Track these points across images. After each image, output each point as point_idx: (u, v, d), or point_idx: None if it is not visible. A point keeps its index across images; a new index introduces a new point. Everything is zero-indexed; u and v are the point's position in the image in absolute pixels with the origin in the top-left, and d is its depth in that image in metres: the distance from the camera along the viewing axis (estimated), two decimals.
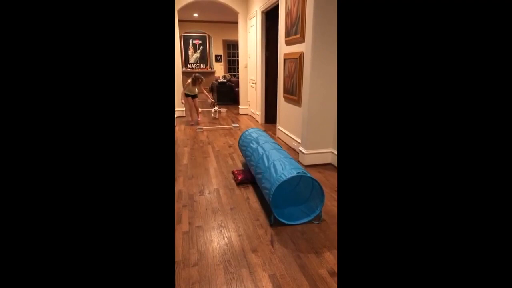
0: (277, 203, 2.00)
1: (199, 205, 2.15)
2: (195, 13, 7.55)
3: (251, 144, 2.50)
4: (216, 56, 9.46)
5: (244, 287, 1.36)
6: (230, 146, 3.69)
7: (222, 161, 3.14)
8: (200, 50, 9.26)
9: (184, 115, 5.61)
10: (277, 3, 3.81)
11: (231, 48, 9.56)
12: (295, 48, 3.25)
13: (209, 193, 2.36)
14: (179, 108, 5.49)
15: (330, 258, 1.56)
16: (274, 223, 1.88)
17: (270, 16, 4.42)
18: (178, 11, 5.05)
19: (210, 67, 9.47)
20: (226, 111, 5.95)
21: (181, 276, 1.43)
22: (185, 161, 3.12)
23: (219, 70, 9.56)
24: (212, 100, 5.67)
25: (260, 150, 2.28)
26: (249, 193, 2.35)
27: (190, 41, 9.11)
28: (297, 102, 3.28)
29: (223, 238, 1.75)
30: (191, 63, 9.26)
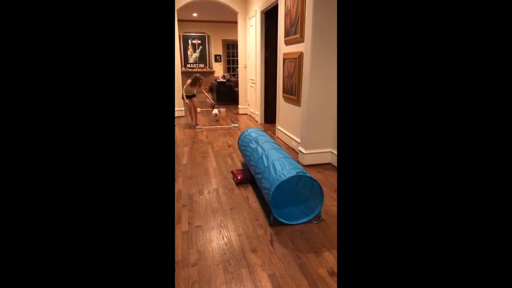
0: (277, 203, 2.01)
1: (199, 205, 2.15)
2: (195, 12, 7.54)
3: (251, 144, 2.50)
4: (215, 56, 9.46)
5: (243, 287, 1.36)
6: (229, 146, 3.69)
7: (222, 161, 3.14)
8: (199, 50, 9.25)
9: (184, 115, 5.61)
10: (276, 3, 3.81)
11: (231, 48, 9.55)
12: (294, 48, 3.25)
13: (209, 193, 2.36)
14: (179, 108, 5.49)
15: (330, 258, 1.56)
16: (274, 223, 1.88)
17: (270, 16, 4.42)
18: (177, 10, 5.05)
19: (210, 67, 9.47)
20: (225, 111, 5.94)
21: (181, 276, 1.42)
22: (184, 161, 3.12)
23: (219, 70, 9.55)
24: (213, 102, 5.52)
25: (260, 150, 2.28)
26: (249, 193, 2.35)
27: (190, 41, 9.11)
28: (297, 102, 3.29)
29: (223, 238, 1.75)
30: (190, 63, 9.26)
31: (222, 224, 1.89)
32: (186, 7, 5.29)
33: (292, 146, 3.54)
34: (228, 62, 9.75)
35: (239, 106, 6.10)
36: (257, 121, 5.19)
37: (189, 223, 1.90)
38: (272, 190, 1.76)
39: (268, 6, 4.21)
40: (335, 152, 2.92)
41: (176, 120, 5.30)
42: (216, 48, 9.38)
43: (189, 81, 4.84)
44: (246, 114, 5.99)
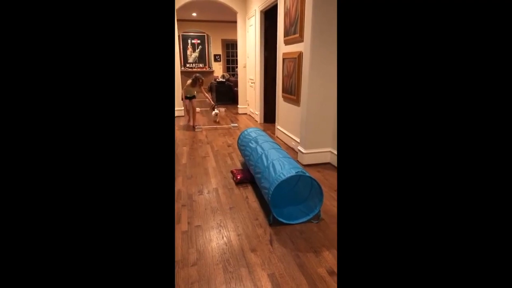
0: (276, 202, 2.01)
1: (198, 205, 2.15)
2: (194, 12, 7.54)
3: (250, 144, 2.50)
4: (215, 55, 9.44)
5: (243, 286, 1.36)
6: (229, 146, 3.69)
7: (221, 160, 3.14)
8: (198, 49, 9.24)
9: (183, 114, 5.60)
10: (276, 2, 3.81)
11: (230, 48, 9.54)
12: (294, 48, 3.25)
13: (208, 192, 2.36)
14: (178, 108, 5.48)
15: (329, 257, 1.56)
16: (273, 222, 1.89)
17: (269, 16, 4.42)
18: (177, 10, 5.04)
19: (209, 67, 9.46)
20: (225, 111, 5.94)
21: (180, 275, 1.43)
22: (184, 161, 3.12)
23: (218, 70, 9.54)
24: (213, 103, 5.33)
25: (259, 149, 2.28)
26: (248, 192, 2.36)
27: (189, 41, 9.10)
28: (296, 101, 3.29)
29: (222, 237, 1.75)
30: (189, 63, 9.25)
31: (222, 224, 1.90)
32: (185, 6, 5.29)
33: (291, 146, 3.54)
34: (228, 61, 9.75)
35: (238, 106, 6.09)
36: (257, 121, 5.19)
37: (188, 223, 1.90)
38: (272, 189, 1.76)
39: (268, 6, 4.21)
40: (335, 152, 2.92)
41: (176, 120, 5.29)
42: (215, 48, 9.37)
43: (189, 81, 4.70)
44: (246, 113, 5.99)
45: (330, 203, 2.16)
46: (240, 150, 2.80)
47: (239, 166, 2.95)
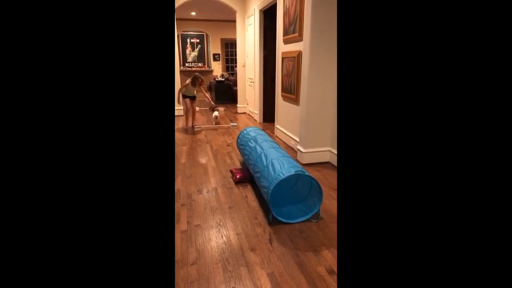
0: (276, 201, 2.01)
1: (198, 204, 2.15)
2: (193, 11, 7.52)
3: (249, 143, 2.50)
4: (214, 55, 9.44)
5: (242, 285, 1.36)
6: (228, 145, 3.69)
7: (221, 160, 3.13)
8: (198, 48, 9.23)
9: (183, 114, 5.59)
10: (275, 1, 3.80)
11: (229, 47, 9.53)
12: (293, 47, 3.25)
13: (208, 192, 2.36)
14: (178, 107, 5.47)
15: (329, 256, 1.56)
16: (273, 221, 1.89)
17: (268, 15, 4.42)
18: (176, 9, 5.03)
19: (208, 66, 9.45)
20: (224, 110, 5.94)
21: (180, 274, 1.43)
22: (183, 160, 3.12)
23: (217, 69, 9.53)
24: (213, 104, 5.03)
25: (258, 149, 2.28)
26: (248, 191, 2.36)
27: (188, 40, 9.08)
28: (295, 100, 3.29)
29: (222, 237, 1.75)
30: (189, 62, 9.23)
31: (221, 223, 1.90)
32: (184, 6, 5.28)
33: (290, 145, 3.54)
34: (227, 61, 9.74)
35: (237, 105, 6.09)
36: (256, 120, 5.18)
37: (188, 222, 1.90)
38: (271, 189, 1.76)
39: (267, 5, 4.20)
40: (334, 151, 2.92)
41: (175, 119, 5.28)
42: (214, 47, 9.36)
43: (188, 80, 4.48)
44: (245, 113, 5.99)
45: (329, 202, 2.16)
46: (239, 149, 2.79)
47: (238, 165, 2.95)
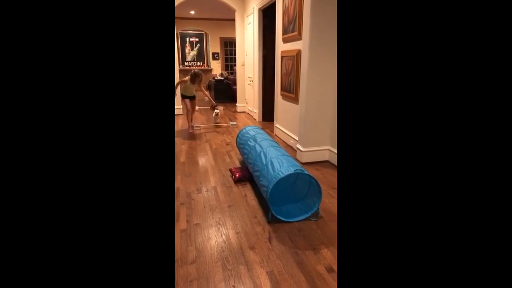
0: (275, 200, 2.01)
1: (197, 203, 2.15)
2: (192, 10, 7.51)
3: (249, 142, 2.50)
4: (213, 53, 9.42)
5: (242, 284, 1.36)
6: (227, 144, 3.69)
7: (220, 159, 3.14)
8: (197, 47, 9.22)
9: (182, 113, 5.58)
10: (274, 0, 3.80)
11: (228, 46, 9.52)
12: (292, 46, 3.25)
13: (207, 191, 2.36)
14: (178, 106, 5.45)
15: (328, 255, 1.57)
16: (272, 220, 1.89)
17: (268, 14, 4.41)
18: (175, 8, 5.02)
19: (207, 65, 9.44)
20: (223, 109, 5.93)
21: (179, 273, 1.43)
22: (182, 159, 3.12)
23: (216, 68, 9.52)
24: (214, 103, 4.76)
25: (258, 147, 2.28)
26: (247, 190, 2.36)
27: (187, 39, 9.07)
28: (295, 99, 3.29)
29: (221, 235, 1.75)
30: (188, 61, 9.22)
31: (221, 222, 1.90)
32: (183, 4, 5.26)
33: (290, 144, 3.54)
34: (226, 60, 9.72)
35: (237, 104, 6.09)
36: (255, 119, 5.18)
37: (187, 221, 1.90)
38: (270, 187, 1.76)
39: (266, 4, 4.20)
40: (333, 150, 2.93)
41: (175, 118, 5.25)
42: (214, 46, 9.34)
43: (187, 77, 4.09)
44: (244, 112, 5.99)
45: (328, 201, 2.16)
46: (239, 148, 2.80)
47: (237, 164, 2.95)
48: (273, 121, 4.27)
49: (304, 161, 2.97)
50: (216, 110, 4.71)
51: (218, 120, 4.78)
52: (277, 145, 2.35)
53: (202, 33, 9.10)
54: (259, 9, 4.50)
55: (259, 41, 4.68)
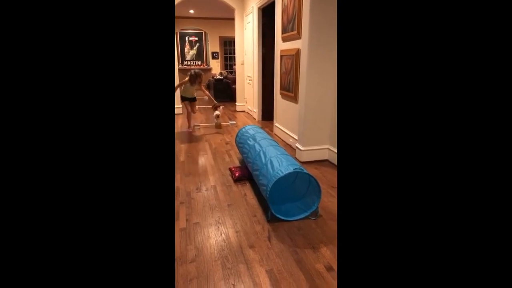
0: (274, 199, 2.01)
1: (197, 202, 2.16)
2: (191, 9, 7.50)
3: (248, 141, 2.50)
4: (212, 53, 9.41)
5: (241, 282, 1.37)
6: (227, 143, 3.69)
7: (219, 158, 3.14)
8: (196, 47, 9.20)
9: (181, 112, 5.58)
10: None
11: (228, 45, 9.51)
12: (291, 45, 3.25)
13: (206, 190, 2.37)
14: (178, 106, 5.45)
15: (327, 253, 1.57)
16: (271, 219, 1.90)
17: (267, 13, 4.41)
18: None
19: (207, 64, 9.43)
20: (222, 108, 5.93)
21: (179, 272, 1.43)
22: (182, 158, 3.12)
23: (216, 67, 9.52)
24: (215, 103, 4.51)
25: (257, 147, 2.28)
26: (246, 189, 2.36)
27: (186, 38, 9.06)
28: (294, 98, 3.29)
29: (221, 234, 1.75)
30: (187, 60, 9.21)
31: (220, 221, 1.90)
32: (182, 3, 5.26)
33: (289, 143, 3.55)
34: (226, 59, 9.72)
35: (236, 104, 6.09)
36: (255, 118, 5.18)
37: (187, 220, 1.91)
38: (270, 186, 1.77)
39: (265, 3, 4.19)
40: (332, 149, 2.93)
41: (175, 117, 5.25)
42: (213, 45, 9.33)
43: (186, 78, 3.97)
44: (244, 111, 5.99)
45: (328, 200, 2.17)
46: (238, 147, 2.80)
47: (237, 163, 2.95)
48: (272, 120, 4.27)
49: (303, 160, 2.97)
50: (216, 112, 4.47)
51: (219, 122, 4.51)
52: (276, 144, 2.35)
53: (202, 32, 9.09)
54: (259, 8, 4.49)
55: (258, 40, 4.67)
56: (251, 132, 2.66)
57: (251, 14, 4.81)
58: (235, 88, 6.21)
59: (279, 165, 1.86)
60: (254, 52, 4.81)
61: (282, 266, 1.48)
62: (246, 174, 2.53)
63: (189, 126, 4.33)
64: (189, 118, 4.29)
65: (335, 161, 2.89)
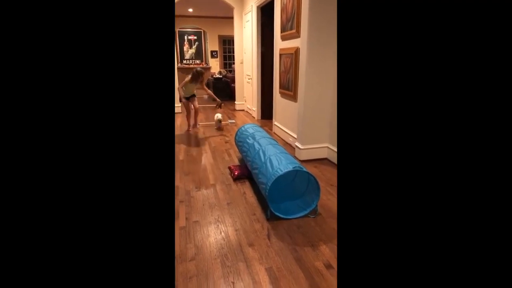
0: (274, 197, 2.02)
1: (196, 201, 2.16)
2: (190, 8, 7.48)
3: (248, 140, 2.50)
4: (211, 51, 9.40)
5: (241, 280, 1.37)
6: (226, 142, 3.69)
7: (219, 157, 3.14)
8: (195, 45, 9.19)
9: (180, 111, 5.58)
10: None
11: (227, 44, 9.49)
12: (290, 43, 3.25)
13: (206, 188, 2.37)
14: (177, 104, 5.44)
15: (326, 251, 1.58)
16: (271, 217, 1.90)
17: (266, 11, 4.40)
18: None
19: (206, 63, 9.42)
20: (223, 105, 5.92)
21: (179, 270, 1.44)
22: (181, 157, 3.12)
23: (215, 66, 9.50)
24: (219, 101, 4.36)
25: (257, 145, 2.29)
26: (246, 188, 2.37)
27: (185, 37, 9.03)
28: (293, 97, 3.29)
29: (220, 232, 1.76)
30: (186, 59, 9.20)
31: (220, 219, 1.91)
32: (181, 2, 5.25)
33: (288, 142, 3.55)
34: (225, 58, 9.70)
35: (235, 102, 6.08)
36: (254, 117, 5.18)
37: (186, 219, 1.91)
38: (269, 185, 1.77)
39: (264, 1, 4.19)
40: (332, 147, 2.93)
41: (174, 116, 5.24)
42: (212, 44, 9.31)
43: (188, 77, 3.88)
44: (243, 110, 5.99)
45: (327, 198, 2.17)
46: (238, 146, 2.80)
47: (236, 162, 2.95)
48: (271, 119, 4.27)
49: (302, 158, 2.98)
50: (219, 116, 4.34)
51: (222, 126, 4.39)
52: (275, 143, 2.36)
53: (201, 31, 9.07)
54: (258, 7, 4.49)
55: (257, 39, 4.67)
56: (251, 130, 2.66)
57: (250, 12, 4.81)
58: (234, 87, 6.21)
59: (278, 163, 1.87)
60: (253, 51, 4.80)
61: (281, 264, 1.48)
62: (245, 172, 2.54)
63: (188, 125, 4.28)
64: (188, 118, 4.26)
65: (334, 159, 2.89)
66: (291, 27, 3.14)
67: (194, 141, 3.75)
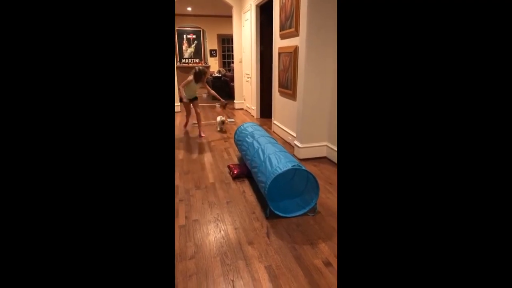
0: (273, 196, 2.03)
1: (196, 200, 2.17)
2: (189, 6, 7.47)
3: (247, 139, 2.51)
4: (210, 50, 9.38)
5: (240, 278, 1.38)
6: (225, 141, 3.69)
7: (218, 155, 3.14)
8: (194, 44, 9.17)
9: (180, 110, 5.57)
10: None
11: (226, 43, 9.48)
12: (289, 42, 3.25)
13: (205, 187, 2.37)
14: (178, 104, 5.43)
15: (325, 249, 1.59)
16: (270, 215, 1.91)
17: (265, 10, 4.40)
18: None
19: (205, 62, 9.40)
20: (221, 106, 5.91)
21: (179, 268, 1.44)
22: (180, 156, 3.12)
23: (214, 65, 9.49)
24: (223, 101, 4.18)
25: (256, 144, 2.29)
26: (245, 187, 2.37)
27: (184, 36, 9.02)
28: (292, 96, 3.29)
29: (220, 231, 1.77)
30: (185, 58, 9.18)
31: (219, 218, 1.91)
32: (180, 1, 5.24)
33: (288, 140, 3.55)
34: (224, 57, 9.69)
35: (235, 101, 6.08)
36: (253, 116, 5.19)
37: (186, 217, 1.92)
38: (268, 183, 1.78)
39: (263, 0, 4.18)
40: (331, 146, 2.94)
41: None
42: (211, 43, 9.30)
43: (190, 77, 3.64)
44: (242, 109, 5.99)
45: (326, 196, 2.18)
46: (237, 145, 2.80)
47: (235, 161, 2.96)
48: (271, 117, 4.27)
49: (301, 157, 2.98)
50: (222, 118, 4.25)
51: (224, 129, 4.28)
52: (275, 141, 2.36)
53: (199, 30, 9.06)
54: (256, 6, 4.48)
55: (256, 37, 4.66)
56: (250, 129, 2.67)
57: (249, 11, 4.80)
58: (233, 86, 6.20)
59: (277, 162, 1.87)
60: (252, 50, 4.80)
61: (280, 262, 1.49)
62: (244, 171, 2.54)
63: (186, 122, 4.24)
64: (188, 117, 4.20)
65: (333, 158, 2.90)
66: (290, 25, 3.14)
67: (193, 140, 3.75)
